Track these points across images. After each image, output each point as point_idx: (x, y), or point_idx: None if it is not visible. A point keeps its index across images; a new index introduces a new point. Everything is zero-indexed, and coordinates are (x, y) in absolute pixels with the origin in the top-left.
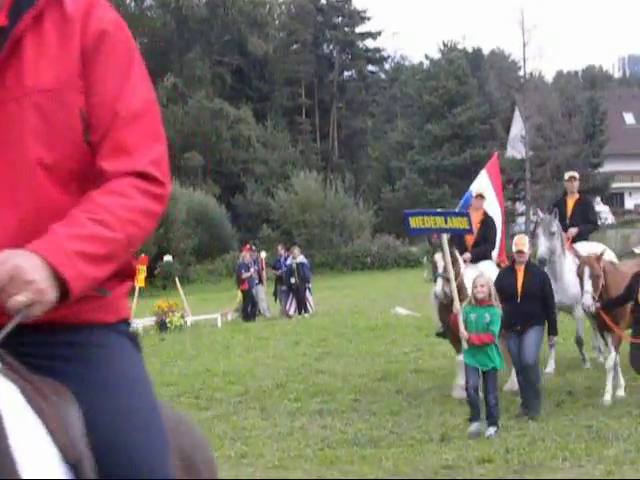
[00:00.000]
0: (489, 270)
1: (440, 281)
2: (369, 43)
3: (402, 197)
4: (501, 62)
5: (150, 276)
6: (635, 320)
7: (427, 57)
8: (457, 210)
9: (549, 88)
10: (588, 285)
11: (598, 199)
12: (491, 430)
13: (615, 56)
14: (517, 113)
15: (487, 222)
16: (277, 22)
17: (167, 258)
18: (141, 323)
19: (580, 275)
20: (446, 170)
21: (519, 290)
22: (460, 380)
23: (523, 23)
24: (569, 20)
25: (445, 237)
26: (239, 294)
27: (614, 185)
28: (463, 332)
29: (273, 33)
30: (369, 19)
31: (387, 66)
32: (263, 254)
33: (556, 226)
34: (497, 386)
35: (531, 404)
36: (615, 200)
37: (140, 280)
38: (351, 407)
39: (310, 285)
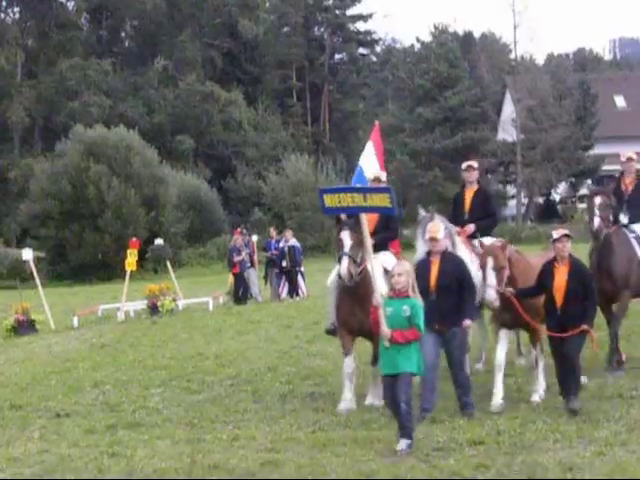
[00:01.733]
0: (391, 266)
1: (346, 260)
2: (360, 26)
3: (393, 180)
4: (492, 45)
5: (141, 259)
6: (547, 313)
7: (418, 40)
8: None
9: (540, 71)
10: (491, 278)
11: (589, 182)
12: (403, 444)
13: (606, 38)
14: (508, 96)
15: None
16: (267, 4)
17: (158, 241)
18: (133, 307)
19: (482, 267)
20: (437, 153)
21: (432, 283)
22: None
23: (514, 6)
24: (560, 2)
25: (364, 216)
26: (230, 277)
27: (605, 168)
28: (385, 329)
29: (264, 16)
30: (360, 1)
31: (378, 49)
32: (254, 237)
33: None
34: (412, 392)
35: (464, 402)
36: (605, 183)
37: (131, 264)
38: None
39: (303, 269)
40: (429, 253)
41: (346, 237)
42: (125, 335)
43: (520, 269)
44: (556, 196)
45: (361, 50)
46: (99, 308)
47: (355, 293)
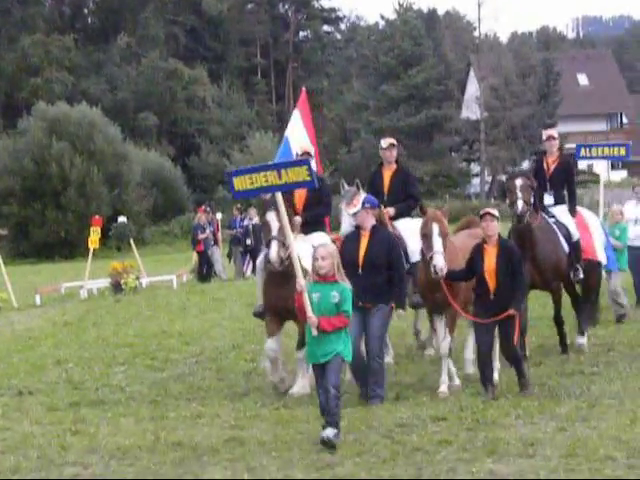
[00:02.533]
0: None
1: (275, 244)
2: (325, 3)
3: (358, 158)
4: (456, 23)
5: (104, 237)
6: (479, 298)
7: (382, 17)
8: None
9: (504, 49)
10: (438, 244)
11: None
12: (330, 432)
13: (569, 17)
14: (472, 74)
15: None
16: None
17: (121, 219)
18: (96, 285)
19: (427, 233)
20: (402, 131)
21: (360, 259)
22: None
23: None
24: None
25: (280, 195)
26: (194, 256)
27: (567, 146)
28: (311, 316)
29: None
30: None
31: (343, 26)
32: (219, 215)
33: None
34: (340, 379)
35: (373, 392)
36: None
37: (94, 241)
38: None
39: None
40: (358, 227)
41: (273, 219)
42: (88, 313)
43: (447, 251)
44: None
45: (325, 28)
46: (62, 286)
47: (283, 276)
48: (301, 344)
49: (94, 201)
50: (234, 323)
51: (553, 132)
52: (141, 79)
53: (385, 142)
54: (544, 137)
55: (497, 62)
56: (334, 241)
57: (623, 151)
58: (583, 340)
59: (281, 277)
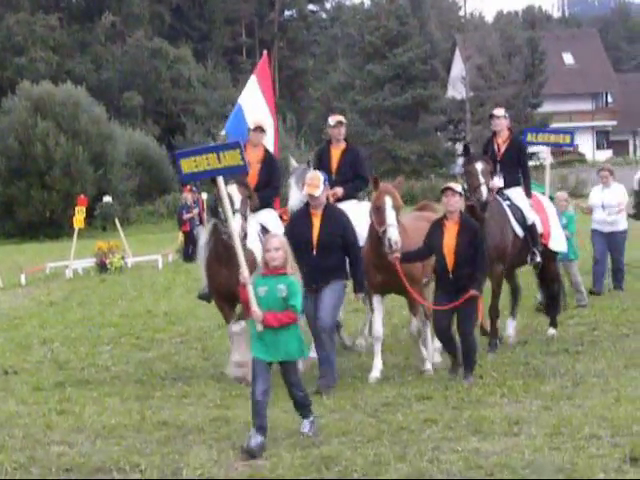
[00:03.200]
0: (272, 225)
1: (239, 218)
2: None
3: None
4: (441, 2)
5: (89, 217)
6: (438, 277)
7: None
8: (227, 142)
9: (489, 28)
10: (392, 217)
11: None
12: (306, 424)
13: None
14: (457, 53)
15: (269, 161)
16: None
17: (107, 199)
18: (81, 264)
19: (380, 206)
20: (387, 110)
21: (314, 240)
22: (235, 356)
23: None
24: None
25: (221, 180)
26: (180, 235)
27: (553, 125)
28: (256, 311)
29: None
30: None
31: (328, 5)
32: (204, 195)
33: None
34: (301, 377)
35: (326, 374)
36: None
37: (79, 221)
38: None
39: None
40: (308, 204)
41: (235, 191)
42: (73, 293)
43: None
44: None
45: (311, 7)
46: (47, 266)
47: (227, 254)
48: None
49: (79, 181)
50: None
51: (500, 111)
52: (126, 58)
53: (333, 119)
54: (495, 117)
55: (482, 41)
56: (281, 216)
57: (568, 139)
58: (554, 331)
59: (225, 255)
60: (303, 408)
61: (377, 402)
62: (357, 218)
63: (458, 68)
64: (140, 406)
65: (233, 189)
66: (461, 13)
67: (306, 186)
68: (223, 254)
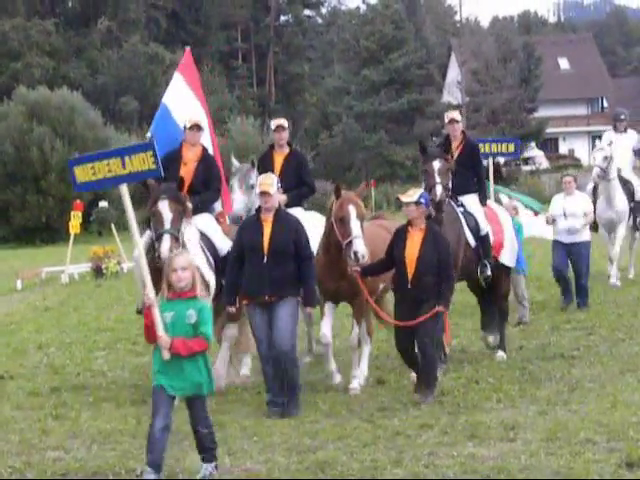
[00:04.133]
0: (212, 231)
1: (167, 240)
2: None
3: (339, 142)
4: (437, 7)
5: (85, 222)
6: (397, 287)
7: (364, 1)
8: (144, 143)
9: (485, 33)
10: (357, 227)
11: (533, 144)
12: (207, 469)
13: (551, 1)
14: (453, 58)
15: (206, 160)
16: None
17: (103, 204)
18: (77, 269)
19: (344, 217)
20: (383, 115)
21: (265, 246)
22: None
23: None
24: None
25: (125, 190)
26: None
27: (548, 130)
28: (162, 336)
29: None
30: None
31: (324, 10)
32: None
33: (255, 178)
34: (207, 411)
35: (290, 402)
36: (549, 145)
37: (75, 226)
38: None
39: None
40: (259, 210)
41: (165, 209)
42: (69, 298)
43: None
44: (501, 159)
45: (306, 12)
46: (43, 271)
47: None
48: None
49: None
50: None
51: (454, 114)
52: (122, 63)
53: (274, 123)
54: (446, 120)
55: (478, 46)
56: (217, 219)
57: (512, 147)
58: (503, 354)
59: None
60: (206, 451)
61: (373, 407)
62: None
63: (454, 73)
64: (136, 411)
65: (164, 206)
66: (457, 18)
67: (258, 186)
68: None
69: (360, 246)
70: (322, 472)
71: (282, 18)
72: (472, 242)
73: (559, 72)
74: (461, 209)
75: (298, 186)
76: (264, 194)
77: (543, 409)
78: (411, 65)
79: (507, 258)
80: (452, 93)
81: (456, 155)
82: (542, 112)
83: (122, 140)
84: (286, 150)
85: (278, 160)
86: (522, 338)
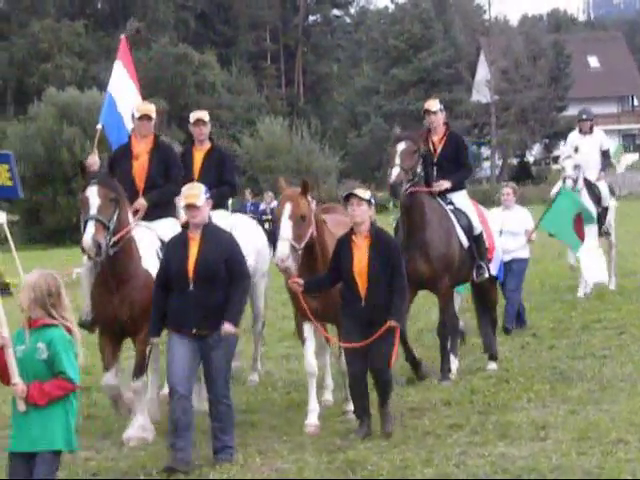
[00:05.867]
0: (170, 234)
1: (92, 226)
2: None
3: (368, 142)
4: (466, 6)
5: None
6: (347, 304)
7: (392, 1)
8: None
9: (514, 32)
10: (286, 228)
11: (562, 143)
12: None
13: None
14: (482, 57)
15: (162, 150)
16: None
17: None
18: None
19: (278, 216)
20: (411, 115)
21: (190, 270)
22: (139, 419)
23: None
24: None
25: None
26: None
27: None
28: (17, 383)
29: None
30: None
31: (352, 10)
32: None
33: None
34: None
35: (220, 443)
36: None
37: None
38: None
39: None
40: (186, 226)
41: (94, 195)
42: None
43: (324, 244)
44: (530, 157)
45: (335, 11)
46: (73, 271)
47: (112, 275)
48: (139, 370)
49: None
50: (245, 308)
51: (430, 103)
52: (151, 64)
53: (193, 116)
54: (427, 111)
55: (507, 45)
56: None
57: None
58: (494, 365)
59: (110, 277)
60: None
61: (403, 407)
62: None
63: (483, 72)
64: (166, 410)
65: (92, 192)
66: (486, 17)
67: (183, 198)
68: (110, 281)
69: (281, 250)
70: (352, 472)
71: (311, 18)
72: (465, 242)
73: (589, 70)
74: (451, 207)
75: (219, 185)
76: (191, 207)
77: (574, 408)
78: (440, 64)
79: (494, 265)
80: (481, 92)
81: (440, 149)
82: (572, 111)
83: None
84: (207, 146)
85: (198, 157)
86: (553, 337)
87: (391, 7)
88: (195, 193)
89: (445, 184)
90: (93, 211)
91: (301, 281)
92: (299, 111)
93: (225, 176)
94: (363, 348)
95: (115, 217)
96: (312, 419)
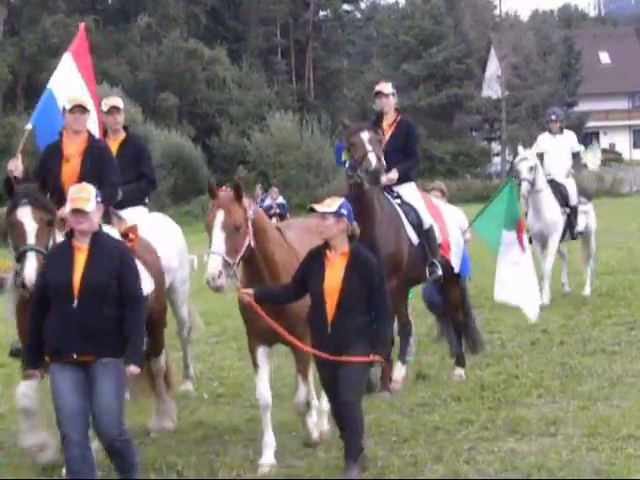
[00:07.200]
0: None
1: (34, 259)
2: None
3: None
4: (476, 1)
5: None
6: (313, 328)
7: None
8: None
9: (525, 27)
10: (218, 241)
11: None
12: None
13: None
14: (493, 53)
15: (97, 150)
16: None
17: None
18: None
19: (209, 226)
20: (422, 110)
21: (75, 285)
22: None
23: None
24: None
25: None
26: None
27: (589, 124)
28: None
29: None
30: None
31: (363, 5)
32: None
33: None
34: None
35: None
36: (590, 139)
37: None
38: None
39: None
40: (70, 234)
41: (28, 219)
42: None
43: (268, 255)
44: None
45: (345, 7)
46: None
47: None
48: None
49: None
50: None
51: (381, 86)
52: (161, 59)
53: (106, 104)
54: (376, 93)
55: (518, 40)
56: (126, 234)
57: None
58: (461, 371)
59: None
60: None
61: (413, 402)
62: (145, 235)
63: (493, 67)
64: (176, 406)
65: (26, 213)
66: (496, 12)
67: (69, 201)
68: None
69: (211, 267)
70: (362, 468)
71: (321, 13)
72: (415, 239)
73: (600, 66)
74: (398, 201)
75: (137, 179)
76: (77, 212)
77: (584, 404)
78: (450, 60)
79: (454, 261)
80: (492, 87)
81: (388, 136)
82: (582, 106)
83: (162, 136)
84: (121, 136)
85: (112, 148)
86: (563, 333)
87: (401, 2)
88: (84, 197)
89: (393, 175)
90: (31, 240)
91: (250, 291)
92: (309, 106)
93: (143, 169)
94: (334, 377)
95: (51, 243)
96: (267, 456)
